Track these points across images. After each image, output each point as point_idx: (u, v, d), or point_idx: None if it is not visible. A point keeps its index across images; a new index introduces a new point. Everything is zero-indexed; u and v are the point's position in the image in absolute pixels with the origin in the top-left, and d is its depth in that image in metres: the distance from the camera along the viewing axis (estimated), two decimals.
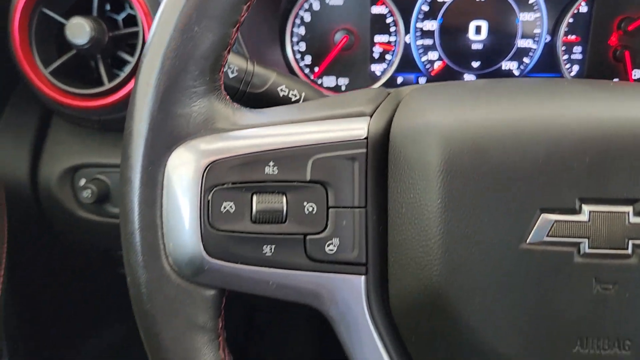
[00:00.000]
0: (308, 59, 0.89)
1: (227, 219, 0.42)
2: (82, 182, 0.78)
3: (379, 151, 0.43)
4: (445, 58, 0.88)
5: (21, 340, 0.84)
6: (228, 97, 0.45)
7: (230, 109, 0.45)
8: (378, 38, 0.88)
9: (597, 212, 0.40)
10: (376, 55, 0.89)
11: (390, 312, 0.44)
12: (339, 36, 0.86)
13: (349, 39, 0.86)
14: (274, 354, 1.33)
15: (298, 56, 0.89)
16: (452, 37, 0.87)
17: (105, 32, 0.71)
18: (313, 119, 0.45)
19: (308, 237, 0.42)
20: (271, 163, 0.42)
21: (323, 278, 0.43)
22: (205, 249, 0.42)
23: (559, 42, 0.87)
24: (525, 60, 0.88)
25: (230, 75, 0.58)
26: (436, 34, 0.87)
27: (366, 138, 0.43)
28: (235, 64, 0.58)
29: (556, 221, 0.40)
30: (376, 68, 0.89)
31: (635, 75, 0.86)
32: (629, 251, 0.39)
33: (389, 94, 0.48)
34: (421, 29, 0.87)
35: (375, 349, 0.44)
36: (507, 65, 0.88)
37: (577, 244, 0.40)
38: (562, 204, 0.40)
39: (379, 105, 0.46)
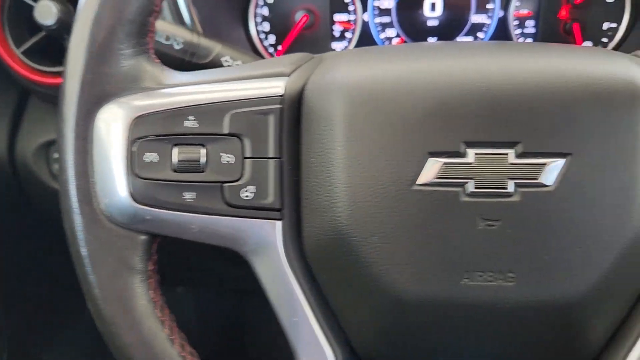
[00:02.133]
0: (272, 39, 0.93)
1: (150, 168, 0.46)
2: (56, 155, 0.83)
3: (295, 107, 0.48)
4: (403, 35, 0.92)
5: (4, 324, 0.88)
6: (158, 59, 0.50)
7: (158, 70, 0.49)
8: (337, 17, 0.92)
9: (481, 154, 0.44)
10: (337, 34, 0.93)
11: (305, 255, 0.48)
12: (299, 15, 0.90)
13: (309, 18, 0.90)
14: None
15: (262, 36, 0.93)
16: (408, 14, 0.91)
17: (72, 13, 0.75)
18: (235, 78, 0.49)
19: (225, 184, 0.47)
20: (191, 117, 0.47)
21: (241, 223, 0.48)
22: (132, 195, 0.46)
23: (511, 17, 0.90)
24: (480, 35, 0.92)
25: (176, 47, 0.63)
26: (393, 12, 0.91)
27: (282, 95, 0.47)
28: (180, 36, 0.63)
29: (444, 163, 0.44)
30: (337, 46, 0.93)
31: None
32: (511, 190, 0.43)
33: (312, 57, 0.53)
34: (378, 7, 0.91)
35: (291, 290, 0.48)
36: (462, 40, 0.92)
37: (463, 184, 0.44)
38: (449, 147, 0.44)
39: (299, 67, 0.50)
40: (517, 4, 0.90)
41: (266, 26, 0.93)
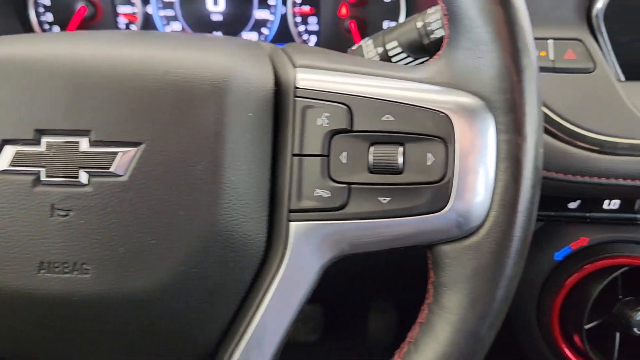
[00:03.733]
0: (56, 29, 0.91)
1: None
2: None
3: None
4: (187, 28, 0.91)
5: None
6: None
7: None
8: (122, 9, 0.91)
9: (53, 142, 0.43)
10: (122, 26, 0.91)
11: None
12: (77, 6, 0.89)
13: (87, 9, 0.88)
14: None
15: (46, 26, 0.91)
16: (192, 7, 0.90)
17: None
18: None
19: None
20: None
21: None
22: None
23: (290, 13, 0.90)
24: (264, 31, 0.91)
25: None
26: (176, 5, 0.90)
27: None
28: None
29: (17, 152, 0.43)
30: None
31: None
32: (82, 180, 0.42)
33: None
34: (162, 0, 0.90)
35: None
36: (247, 36, 0.91)
37: (37, 173, 0.43)
38: (22, 135, 0.43)
39: None
40: (297, 0, 0.89)
41: (49, 16, 0.91)
